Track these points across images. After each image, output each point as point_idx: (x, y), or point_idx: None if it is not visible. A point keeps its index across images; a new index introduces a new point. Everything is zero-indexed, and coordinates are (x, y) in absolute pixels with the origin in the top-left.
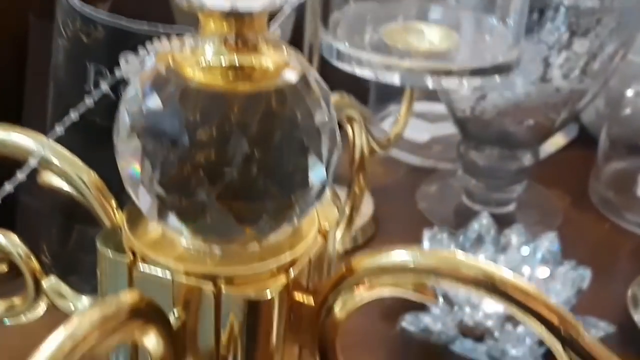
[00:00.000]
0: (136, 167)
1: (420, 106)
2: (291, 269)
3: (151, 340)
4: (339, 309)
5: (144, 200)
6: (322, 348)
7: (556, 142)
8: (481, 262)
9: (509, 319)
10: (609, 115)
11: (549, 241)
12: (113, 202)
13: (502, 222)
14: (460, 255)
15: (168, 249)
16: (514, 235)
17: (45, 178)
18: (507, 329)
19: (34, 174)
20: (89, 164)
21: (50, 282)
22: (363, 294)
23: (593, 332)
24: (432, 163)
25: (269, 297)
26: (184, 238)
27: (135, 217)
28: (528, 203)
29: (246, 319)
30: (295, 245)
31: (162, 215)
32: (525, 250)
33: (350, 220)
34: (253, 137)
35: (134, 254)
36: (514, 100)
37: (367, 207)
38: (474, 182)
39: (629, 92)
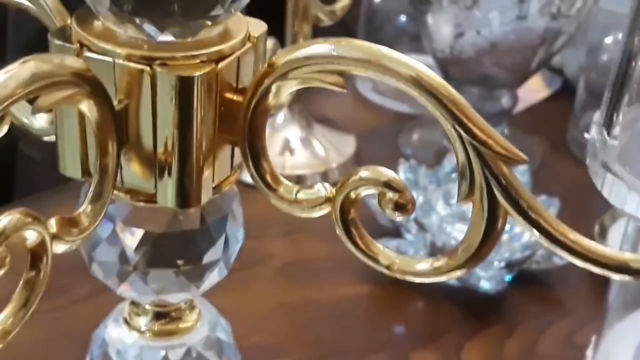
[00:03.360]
0: None
1: None
2: (220, 63)
3: (92, 109)
4: (266, 101)
5: None
6: (250, 141)
7: (540, 93)
8: (408, 59)
9: None
10: (587, 63)
11: (519, 174)
12: (68, 19)
13: None
14: (386, 49)
15: (111, 39)
16: None
17: None
18: None
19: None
20: None
21: None
22: (289, 85)
23: (557, 259)
24: (416, 109)
25: (198, 74)
26: (124, 31)
27: (84, 18)
28: None
29: (178, 97)
30: (224, 43)
31: (110, 5)
32: None
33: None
34: None
35: (80, 44)
36: (491, 39)
37: (348, 146)
38: None
39: (607, 40)
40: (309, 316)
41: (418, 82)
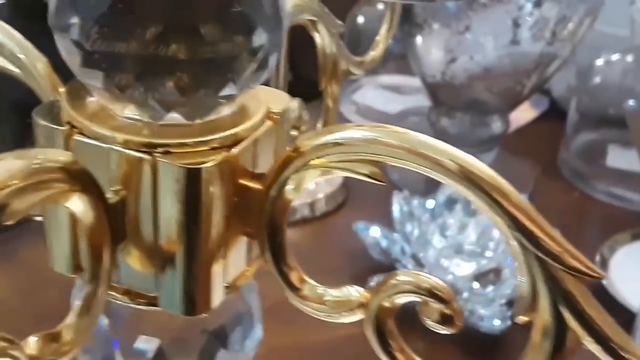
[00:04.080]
0: (67, 22)
1: (392, 79)
2: (234, 148)
3: (81, 207)
4: (287, 191)
5: (75, 58)
6: (270, 235)
7: (527, 114)
8: (453, 148)
9: (477, 279)
10: (578, 86)
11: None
12: (60, 87)
13: None
14: (426, 137)
15: (106, 121)
16: None
17: None
18: (475, 290)
19: None
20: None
21: None
22: (312, 174)
23: None
24: None
25: (207, 166)
26: (121, 110)
27: (75, 93)
28: (498, 171)
29: (183, 192)
30: (240, 125)
31: (103, 81)
32: None
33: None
34: None
35: (71, 125)
36: (484, 65)
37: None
38: None
39: (599, 62)
40: None
41: (467, 176)
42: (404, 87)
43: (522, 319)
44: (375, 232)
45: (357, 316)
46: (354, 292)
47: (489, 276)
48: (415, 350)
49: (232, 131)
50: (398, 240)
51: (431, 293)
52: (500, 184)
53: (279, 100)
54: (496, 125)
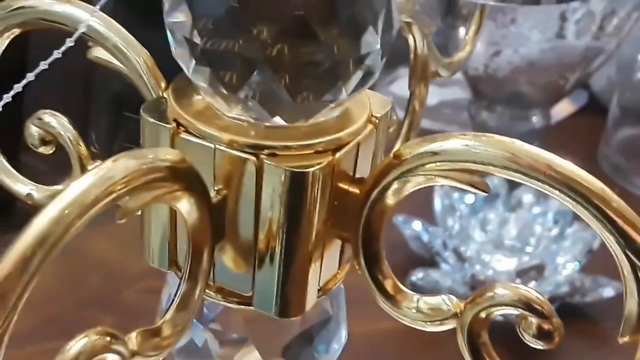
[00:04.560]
0: (180, 19)
1: None
2: (338, 152)
3: (187, 207)
4: (386, 198)
5: (188, 60)
6: (365, 241)
7: (566, 108)
8: (564, 161)
9: (519, 275)
10: (620, 80)
11: (559, 202)
12: (163, 82)
13: (513, 182)
14: (537, 149)
15: (212, 120)
16: (524, 195)
17: (95, 53)
18: None
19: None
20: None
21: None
22: (413, 182)
23: (604, 291)
24: (441, 126)
25: (312, 170)
26: (228, 110)
27: (182, 90)
28: None
29: (287, 194)
30: (344, 129)
31: (212, 80)
32: (536, 210)
33: (407, 139)
34: None
35: (177, 123)
36: (529, 58)
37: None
38: None
39: None
40: (343, 352)
41: (579, 192)
42: (441, 79)
43: (625, 339)
44: (416, 225)
45: (450, 326)
46: (446, 302)
47: (530, 273)
48: (456, 345)
49: (336, 135)
50: (439, 234)
51: (530, 307)
52: (610, 198)
53: (380, 103)
54: (537, 119)
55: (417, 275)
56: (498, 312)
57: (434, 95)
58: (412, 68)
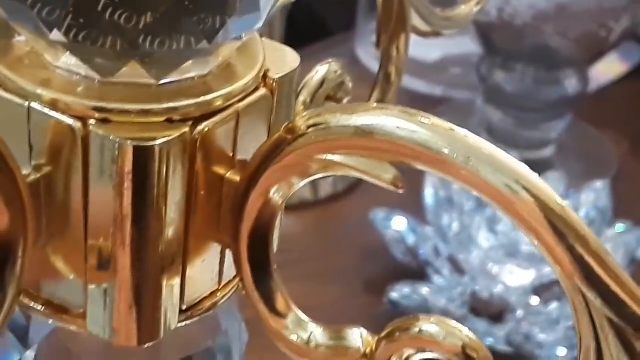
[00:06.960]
0: None
1: None
2: (203, 123)
3: None
4: (274, 190)
5: None
6: (252, 246)
7: (613, 70)
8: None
9: (537, 293)
10: None
11: (596, 194)
12: None
13: (536, 169)
14: (491, 147)
15: (32, 71)
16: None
17: None
18: (533, 307)
19: None
20: None
21: None
22: (308, 170)
23: None
24: (443, 90)
25: (156, 143)
26: (55, 58)
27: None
28: (571, 147)
29: (121, 177)
30: (216, 90)
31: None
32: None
33: None
34: None
35: None
36: (557, 1)
37: None
38: (498, 115)
39: None
40: None
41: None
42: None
43: None
44: (399, 223)
45: None
46: (357, 336)
47: (553, 289)
48: None
49: (201, 99)
50: (430, 236)
51: (465, 355)
52: (578, 224)
53: (285, 59)
54: (570, 84)
55: (401, 292)
56: (422, 357)
57: (435, 48)
58: (380, 17)
